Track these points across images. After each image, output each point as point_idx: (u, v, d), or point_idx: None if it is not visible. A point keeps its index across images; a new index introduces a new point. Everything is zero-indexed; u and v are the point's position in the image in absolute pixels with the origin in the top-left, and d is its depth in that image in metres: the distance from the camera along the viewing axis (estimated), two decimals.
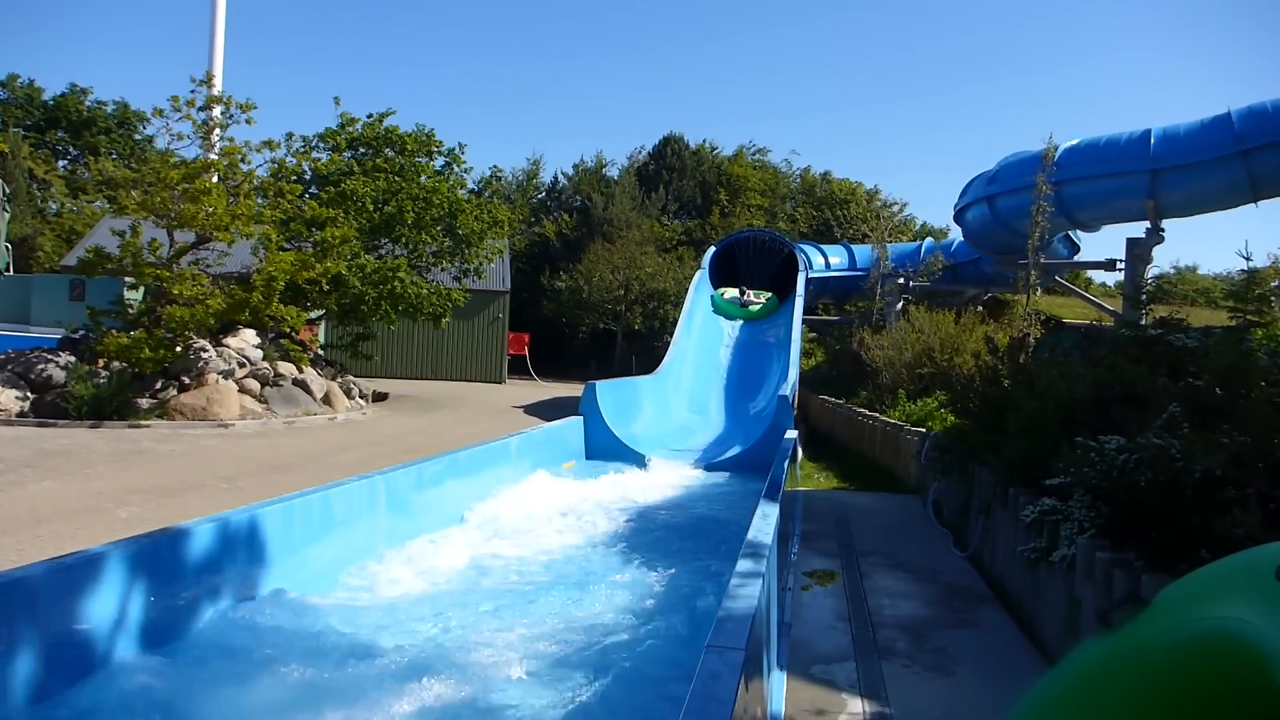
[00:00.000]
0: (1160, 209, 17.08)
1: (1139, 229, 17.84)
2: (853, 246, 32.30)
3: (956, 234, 27.36)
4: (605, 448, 13.36)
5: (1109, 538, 4.91)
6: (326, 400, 18.44)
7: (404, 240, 22.80)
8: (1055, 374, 7.10)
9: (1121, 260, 18.66)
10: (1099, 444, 5.15)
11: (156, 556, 4.73)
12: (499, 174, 29.30)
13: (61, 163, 47.60)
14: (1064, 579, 5.24)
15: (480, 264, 24.66)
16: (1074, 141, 18.24)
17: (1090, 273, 34.08)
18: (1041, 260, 16.66)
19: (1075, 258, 24.26)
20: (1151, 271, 17.16)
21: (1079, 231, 22.24)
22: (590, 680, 4.75)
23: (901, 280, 24.67)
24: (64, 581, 4.19)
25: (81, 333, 17.03)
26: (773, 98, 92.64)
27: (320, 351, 23.97)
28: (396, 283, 21.26)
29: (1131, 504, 4.83)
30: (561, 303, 37.90)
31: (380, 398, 22.43)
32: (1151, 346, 7.77)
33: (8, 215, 26.86)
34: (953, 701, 4.81)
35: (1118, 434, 5.29)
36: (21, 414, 14.80)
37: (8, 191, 27.13)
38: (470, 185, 26.11)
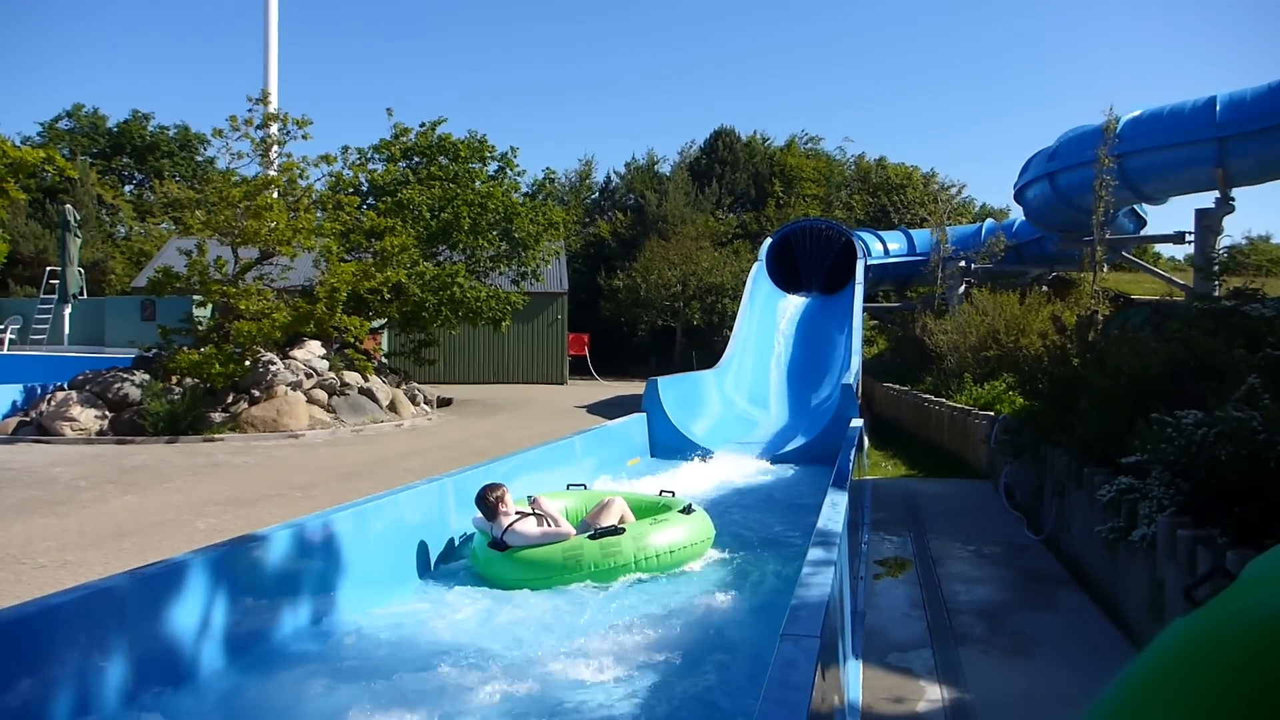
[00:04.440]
0: (1229, 177, 16.60)
1: (1208, 199, 17.36)
2: (911, 231, 31.91)
3: (1017, 214, 26.87)
4: (670, 443, 13.37)
5: (1190, 515, 4.79)
6: (392, 407, 18.69)
7: (461, 246, 23.02)
8: (1127, 350, 6.94)
9: (1190, 232, 18.16)
10: (1176, 419, 5.03)
11: (235, 564, 4.84)
12: (552, 176, 29.32)
13: (128, 187, 48.84)
14: (1145, 558, 5.12)
15: (537, 266, 24.80)
16: (1136, 113, 17.81)
17: (1158, 247, 33.35)
18: (1107, 236, 16.30)
19: (1142, 232, 23.68)
20: (1223, 242, 16.71)
21: (1145, 205, 21.72)
22: (667, 671, 4.74)
23: (963, 263, 24.30)
24: (148, 589, 4.31)
25: (154, 351, 17.45)
26: (823, 86, 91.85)
27: (384, 360, 24.29)
28: (456, 288, 21.47)
29: (1213, 479, 4.71)
30: (619, 302, 37.98)
31: (445, 403, 22.68)
32: (1226, 318, 7.57)
33: (79, 240, 27.61)
34: (1033, 685, 4.73)
35: (1195, 409, 5.16)
36: (101, 432, 15.21)
37: (79, 217, 27.89)
38: (524, 188, 26.22)
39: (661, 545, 6.54)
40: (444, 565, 6.77)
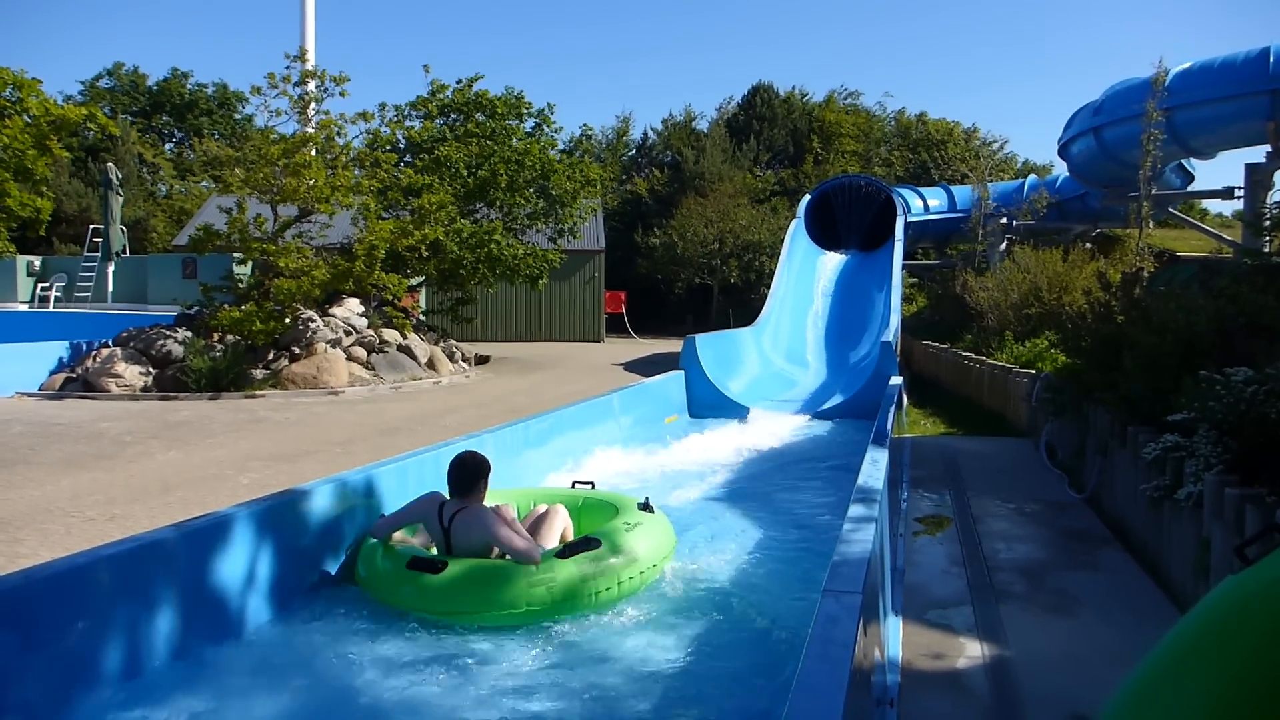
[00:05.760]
0: None
1: (1258, 153, 16.99)
2: (952, 188, 31.49)
3: (1061, 169, 26.45)
4: (708, 401, 13.36)
5: (1238, 473, 4.72)
6: (430, 365, 18.80)
7: (498, 203, 22.99)
8: (1174, 307, 6.82)
9: (1240, 187, 17.79)
10: (1225, 377, 4.95)
11: (279, 518, 4.90)
12: (589, 133, 29.17)
13: (168, 145, 49.21)
14: (1191, 518, 5.06)
15: (574, 224, 24.71)
16: (1186, 65, 17.39)
17: (1205, 203, 32.71)
18: (1153, 192, 16.01)
19: (1189, 187, 23.21)
20: (1274, 197, 16.34)
21: (1192, 160, 21.27)
22: (708, 628, 4.77)
23: (1004, 220, 23.96)
24: (194, 542, 4.39)
25: (196, 308, 17.64)
26: (863, 41, 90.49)
27: (422, 317, 24.41)
28: (493, 246, 21.46)
29: (1261, 437, 4.64)
30: (656, 259, 37.85)
31: (482, 360, 22.79)
32: (1277, 275, 7.41)
33: (121, 199, 27.91)
34: (1075, 642, 4.70)
35: (1244, 366, 5.07)
36: (145, 388, 15.43)
37: (120, 176, 28.16)
38: (561, 146, 26.10)
39: (645, 559, 5.06)
40: None
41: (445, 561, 4.77)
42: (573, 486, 6.44)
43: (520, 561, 4.73)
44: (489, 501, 5.37)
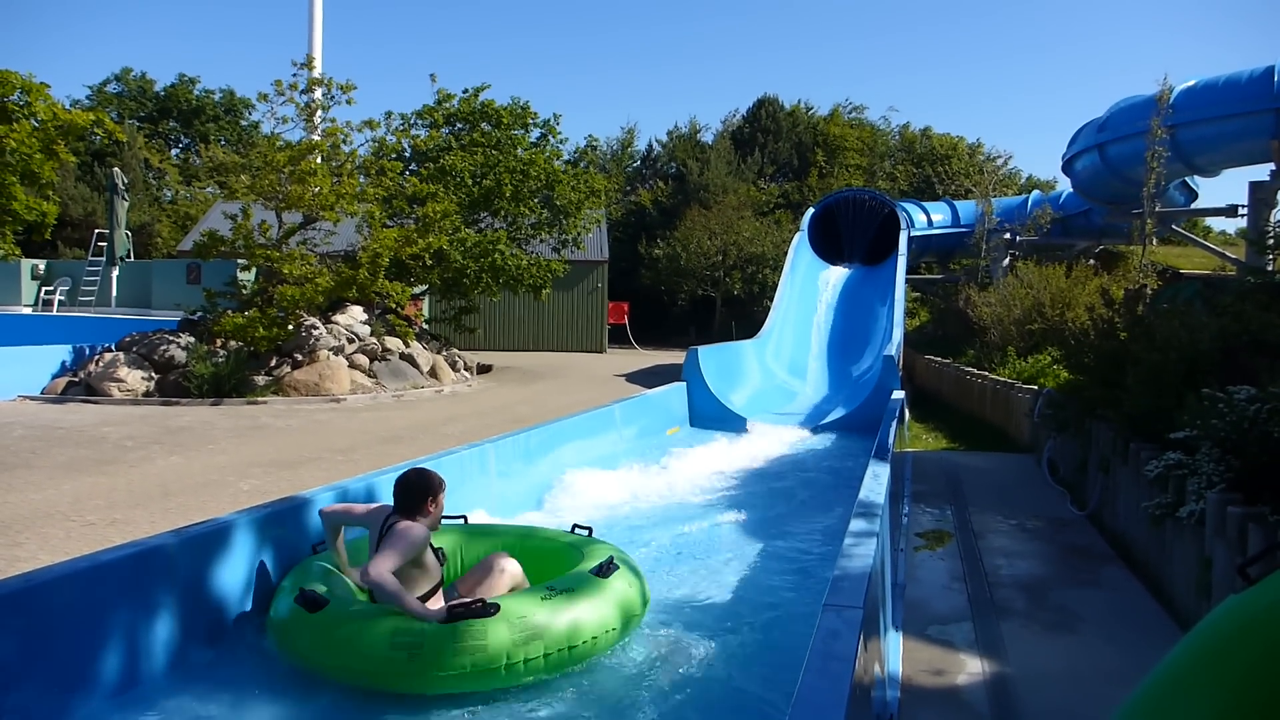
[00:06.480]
0: None
1: (1262, 171, 17.01)
2: (955, 203, 31.53)
3: (1064, 185, 26.47)
4: (710, 413, 13.36)
5: (1240, 492, 4.71)
6: (433, 373, 18.79)
7: (503, 213, 22.99)
8: (1177, 324, 6.81)
9: (1243, 205, 17.81)
10: (1228, 394, 4.94)
11: (279, 525, 4.90)
12: (594, 144, 29.23)
13: (174, 151, 49.29)
14: (1193, 536, 5.05)
15: (578, 234, 24.71)
16: (1190, 83, 17.43)
17: (1209, 220, 32.75)
18: (1157, 208, 16.02)
19: (1193, 205, 23.22)
20: (1277, 215, 16.37)
21: (1196, 177, 21.29)
22: (714, 641, 4.75)
23: (1007, 235, 23.98)
24: (194, 548, 4.38)
25: (199, 314, 17.65)
26: (868, 55, 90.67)
27: (425, 326, 24.41)
28: (497, 255, 21.47)
29: (1264, 456, 4.63)
30: (659, 271, 37.85)
31: (485, 370, 22.77)
32: None
33: (127, 204, 27.96)
34: (1076, 660, 4.68)
35: (1247, 384, 5.07)
36: (147, 393, 15.44)
37: (126, 181, 28.23)
38: (566, 156, 26.12)
39: (555, 637, 4.16)
40: None
41: (328, 600, 4.24)
42: (573, 530, 5.56)
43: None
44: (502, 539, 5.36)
